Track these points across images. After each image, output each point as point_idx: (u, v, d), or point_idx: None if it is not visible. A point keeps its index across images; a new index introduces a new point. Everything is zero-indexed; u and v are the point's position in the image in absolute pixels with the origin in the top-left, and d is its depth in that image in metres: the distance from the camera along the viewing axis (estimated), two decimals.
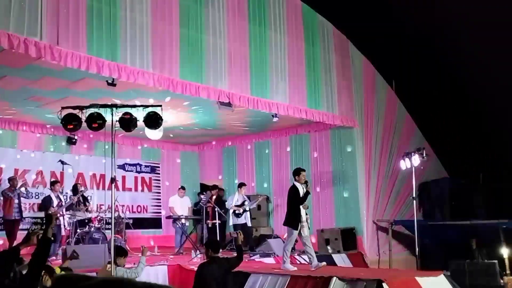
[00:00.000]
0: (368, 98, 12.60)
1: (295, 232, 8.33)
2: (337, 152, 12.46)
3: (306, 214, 8.50)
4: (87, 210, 10.73)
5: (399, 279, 7.46)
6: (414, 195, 10.64)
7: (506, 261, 10.87)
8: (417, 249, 10.25)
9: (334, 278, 7.38)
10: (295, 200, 8.43)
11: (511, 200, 12.97)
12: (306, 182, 8.56)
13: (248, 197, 12.33)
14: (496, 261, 10.51)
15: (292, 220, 8.38)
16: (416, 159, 10.56)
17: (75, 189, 10.85)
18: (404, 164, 10.81)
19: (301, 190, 8.45)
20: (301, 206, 8.38)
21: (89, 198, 11.61)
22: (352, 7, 13.71)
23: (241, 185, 12.29)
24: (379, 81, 13.01)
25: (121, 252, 6.86)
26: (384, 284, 6.94)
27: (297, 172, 8.71)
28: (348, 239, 11.52)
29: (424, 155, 10.68)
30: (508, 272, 10.74)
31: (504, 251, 11.04)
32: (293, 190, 8.53)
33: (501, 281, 10.35)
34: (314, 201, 12.66)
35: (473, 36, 13.24)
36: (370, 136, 12.47)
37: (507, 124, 13.95)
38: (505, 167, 13.58)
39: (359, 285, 7.13)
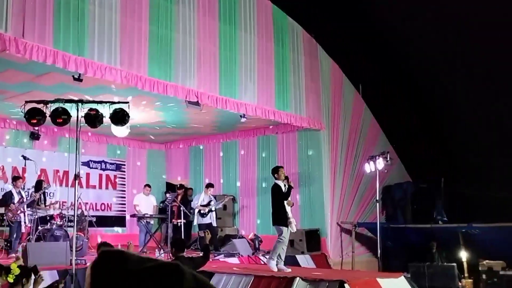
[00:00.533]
0: (335, 101, 12.76)
1: (285, 229, 8.27)
2: (304, 154, 12.57)
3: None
4: (45, 206, 10.54)
5: (360, 280, 7.58)
6: (377, 198, 10.83)
7: (465, 264, 11.18)
8: (379, 251, 10.43)
9: (297, 278, 7.45)
10: (279, 197, 8.40)
11: (470, 205, 13.34)
12: (287, 178, 8.60)
13: (215, 197, 12.31)
14: (455, 264, 10.79)
15: (279, 218, 8.35)
16: (380, 163, 10.75)
17: (38, 186, 10.62)
18: (369, 167, 10.98)
19: (283, 187, 8.46)
20: (285, 203, 8.36)
21: (49, 194, 11.39)
22: (321, 11, 13.84)
23: (208, 185, 12.26)
24: (346, 85, 13.19)
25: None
26: (346, 285, 7.05)
27: (275, 170, 8.74)
28: (312, 240, 11.65)
29: (388, 159, 10.87)
30: (466, 275, 11.04)
31: (463, 255, 11.35)
32: (276, 188, 8.52)
33: (459, 283, 10.62)
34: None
35: (437, 43, 13.55)
36: (336, 139, 12.62)
37: (468, 131, 14.33)
38: (466, 173, 13.95)
39: (321, 285, 7.22)
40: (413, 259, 11.34)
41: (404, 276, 8.48)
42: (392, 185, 13.55)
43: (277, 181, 8.57)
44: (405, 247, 12.52)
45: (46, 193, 10.84)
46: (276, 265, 8.24)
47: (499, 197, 12.72)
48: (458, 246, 11.35)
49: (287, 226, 8.28)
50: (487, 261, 10.73)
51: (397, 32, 13.73)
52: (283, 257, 8.41)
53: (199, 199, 11.90)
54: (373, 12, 14.17)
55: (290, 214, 8.37)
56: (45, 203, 10.66)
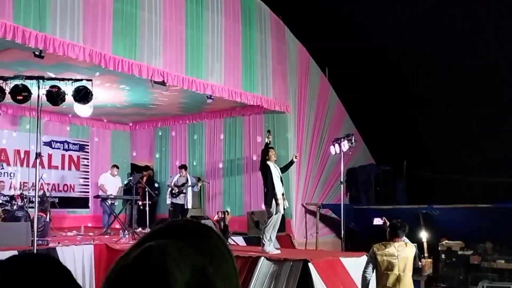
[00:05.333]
0: (302, 83, 12.80)
1: (272, 211, 8.12)
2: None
3: (283, 194, 8.35)
4: None
5: (324, 259, 7.72)
6: (342, 180, 10.98)
7: (425, 245, 11.46)
8: (342, 232, 10.60)
9: (262, 258, 7.53)
10: (268, 177, 8.24)
11: (431, 187, 13.69)
12: (295, 156, 8.74)
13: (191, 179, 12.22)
14: (415, 244, 11.04)
15: (268, 199, 8.21)
16: (345, 145, 10.86)
17: None
18: (334, 149, 11.10)
19: (273, 167, 8.31)
20: (276, 184, 8.22)
21: (9, 175, 11.09)
22: None
23: (181, 167, 12.14)
24: (313, 67, 13.24)
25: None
26: (309, 264, 7.16)
27: (265, 152, 8.56)
28: None
29: (353, 141, 10.99)
30: (426, 254, 11.33)
31: (423, 235, 11.64)
32: (264, 167, 8.38)
33: (420, 263, 10.87)
34: (246, 184, 12.81)
35: (404, 24, 13.72)
36: (303, 121, 12.70)
37: (431, 115, 14.63)
38: (427, 156, 14.27)
39: (286, 265, 7.31)
40: (376, 240, 11.56)
41: (367, 255, 8.65)
42: (356, 167, 13.75)
43: (268, 162, 8.39)
44: (368, 228, 12.75)
45: None
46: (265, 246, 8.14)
47: (459, 179, 13.09)
48: (419, 226, 11.62)
49: (271, 207, 8.13)
50: (446, 241, 11.04)
51: (363, 13, 13.83)
52: (273, 239, 8.36)
53: (173, 179, 11.83)
54: None
55: (279, 196, 8.19)
56: None
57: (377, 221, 6.61)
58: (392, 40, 14.07)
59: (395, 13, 13.70)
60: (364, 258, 8.40)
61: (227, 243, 0.91)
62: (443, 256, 11.13)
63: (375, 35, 14.08)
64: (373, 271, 5.62)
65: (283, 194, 8.33)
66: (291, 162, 8.99)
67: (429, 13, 13.15)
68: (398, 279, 5.47)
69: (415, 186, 13.44)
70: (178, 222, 0.90)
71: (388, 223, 6.02)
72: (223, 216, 6.43)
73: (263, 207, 8.67)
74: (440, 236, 11.39)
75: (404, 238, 5.84)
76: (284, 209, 8.36)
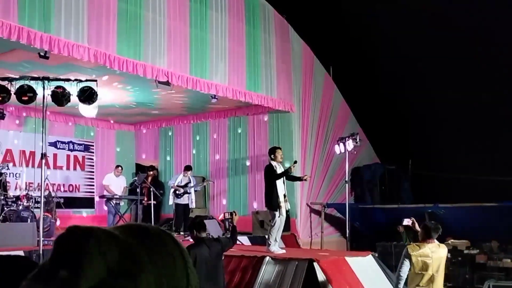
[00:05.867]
0: (306, 83, 12.79)
1: (276, 214, 8.04)
2: (274, 136, 12.59)
3: (285, 196, 8.27)
4: (5, 191, 10.11)
5: (329, 258, 7.70)
6: (346, 179, 10.96)
7: None
8: (347, 231, 10.59)
9: (267, 257, 7.53)
10: (271, 179, 8.15)
11: (436, 186, 13.65)
12: (295, 162, 8.48)
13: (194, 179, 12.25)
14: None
15: (270, 202, 8.13)
16: (350, 144, 10.84)
17: None
18: (338, 148, 11.08)
19: (278, 168, 8.24)
20: (279, 186, 8.13)
21: (15, 175, 11.09)
22: None
23: (187, 168, 12.15)
24: (317, 66, 13.22)
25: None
26: (315, 264, 7.15)
27: (273, 151, 8.47)
28: None
29: (358, 140, 10.97)
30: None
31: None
32: (268, 168, 8.28)
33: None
34: (250, 184, 12.80)
35: (407, 24, 13.69)
36: (307, 121, 12.68)
37: (436, 114, 14.59)
38: (432, 155, 14.24)
39: (291, 264, 7.30)
40: (381, 239, 11.57)
41: (372, 255, 8.65)
42: (361, 166, 13.73)
43: (272, 162, 8.30)
44: (373, 227, 12.75)
45: (4, 174, 10.39)
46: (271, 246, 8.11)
47: (464, 178, 13.05)
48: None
49: (277, 210, 8.06)
50: (452, 240, 11.01)
51: (367, 13, 13.80)
52: (278, 239, 8.31)
53: (176, 180, 11.83)
54: None
55: (281, 198, 8.10)
56: (4, 187, 10.07)
57: (406, 221, 6.71)
58: (397, 38, 14.04)
59: (400, 10, 13.66)
60: (369, 258, 8.41)
61: (177, 241, 0.88)
62: (448, 255, 11.10)
63: (380, 34, 14.05)
64: (408, 271, 5.74)
65: (284, 196, 8.26)
66: (299, 179, 8.89)
67: (435, 11, 13.11)
68: (431, 279, 5.63)
69: (421, 185, 13.42)
70: (141, 225, 0.89)
71: (416, 224, 6.23)
72: (230, 216, 6.33)
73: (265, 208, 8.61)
74: (445, 235, 11.34)
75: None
76: (286, 211, 8.32)
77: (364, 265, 8.06)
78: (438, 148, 14.35)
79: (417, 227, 6.19)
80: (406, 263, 5.73)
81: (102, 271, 0.76)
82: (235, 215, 6.39)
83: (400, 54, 14.27)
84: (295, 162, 8.55)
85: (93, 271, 0.75)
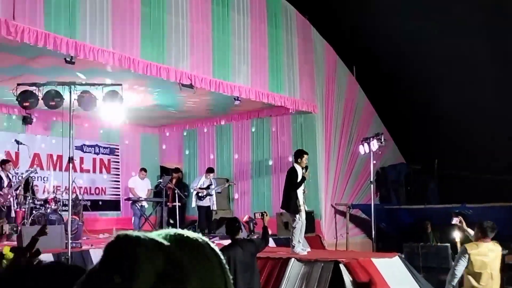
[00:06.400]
0: (329, 83, 12.73)
1: (297, 216, 8.10)
2: (298, 136, 12.56)
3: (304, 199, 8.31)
4: (33, 194, 10.28)
5: (355, 260, 7.64)
6: (371, 180, 10.86)
7: (458, 244, 11.23)
8: (373, 232, 10.49)
9: (293, 259, 7.51)
10: (292, 183, 8.23)
11: (463, 187, 13.43)
12: (306, 167, 8.37)
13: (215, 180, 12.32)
14: (448, 244, 10.87)
15: (291, 205, 8.17)
16: (374, 144, 10.74)
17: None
18: (363, 149, 10.99)
19: (300, 173, 8.26)
20: (300, 190, 8.19)
21: (43, 179, 11.27)
22: None
23: (209, 170, 12.22)
24: (340, 66, 13.14)
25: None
26: (341, 265, 7.10)
27: (299, 155, 8.48)
28: (307, 222, 11.65)
29: (382, 140, 10.86)
30: None
31: (456, 235, 11.42)
32: (292, 172, 8.32)
33: (453, 263, 10.71)
34: (274, 185, 12.79)
35: (431, 21, 13.52)
36: (330, 121, 12.62)
37: (463, 113, 14.36)
38: (459, 155, 14.02)
39: (317, 266, 7.27)
40: (407, 240, 11.42)
41: (399, 256, 8.55)
42: (386, 166, 13.59)
43: (296, 165, 8.34)
44: (398, 228, 12.61)
45: (32, 178, 10.57)
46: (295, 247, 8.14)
47: (492, 178, 12.81)
48: (452, 226, 11.42)
49: (297, 213, 8.12)
50: None
51: (390, 10, 13.66)
52: (302, 240, 8.34)
53: (199, 182, 11.91)
54: None
55: (301, 202, 8.15)
56: (32, 190, 10.24)
57: (455, 220, 6.82)
58: (422, 37, 13.87)
59: (425, 8, 13.50)
60: (396, 259, 8.31)
61: (214, 248, 0.91)
62: None
63: (403, 32, 13.89)
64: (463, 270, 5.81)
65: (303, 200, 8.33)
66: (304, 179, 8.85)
67: (460, 11, 12.91)
68: (490, 277, 5.73)
69: (447, 185, 13.22)
70: (179, 231, 0.92)
71: (464, 223, 6.44)
72: (261, 217, 6.28)
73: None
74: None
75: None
76: (306, 212, 8.38)
77: (391, 267, 7.98)
78: (464, 147, 14.11)
79: (464, 226, 6.23)
80: (463, 262, 5.77)
81: (152, 277, 0.79)
82: (266, 215, 6.31)
83: (425, 52, 14.09)
84: (307, 167, 8.48)
85: (144, 276, 0.79)
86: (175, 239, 0.88)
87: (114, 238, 0.86)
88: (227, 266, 0.90)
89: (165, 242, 0.85)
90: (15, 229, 9.00)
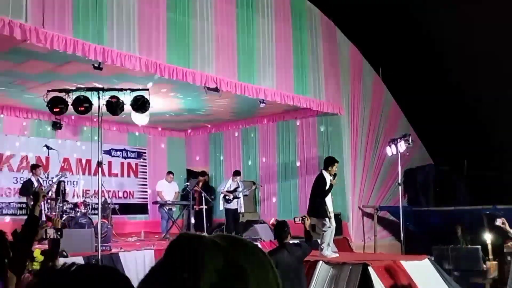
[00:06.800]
0: (355, 85, 12.64)
1: (327, 220, 8.11)
2: (324, 139, 12.51)
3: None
4: (64, 198, 10.44)
5: (384, 263, 7.56)
6: (399, 181, 10.74)
7: (489, 247, 11.04)
8: (401, 234, 10.36)
9: (321, 262, 7.47)
10: (321, 189, 8.25)
11: (494, 187, 13.16)
12: (335, 175, 8.37)
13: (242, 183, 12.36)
14: (479, 246, 10.67)
15: (320, 212, 8.19)
16: (402, 146, 10.63)
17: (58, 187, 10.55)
18: (390, 150, 10.88)
19: (328, 181, 8.28)
20: (328, 198, 8.24)
21: (72, 183, 11.45)
22: None
23: (236, 173, 12.28)
24: (366, 68, 13.05)
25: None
26: (369, 268, 7.04)
27: (331, 163, 8.48)
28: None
29: (410, 141, 10.74)
30: (491, 257, 10.91)
31: (487, 237, 11.21)
32: (320, 179, 8.35)
33: (484, 266, 10.51)
34: (300, 187, 12.75)
35: (459, 20, 13.31)
36: (357, 123, 12.53)
37: (492, 113, 14.11)
38: (489, 155, 13.76)
39: (345, 268, 7.22)
40: (436, 242, 11.25)
41: (428, 258, 8.43)
42: (414, 168, 13.41)
43: (324, 172, 8.35)
44: (427, 230, 12.42)
45: (64, 182, 10.75)
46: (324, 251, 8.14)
47: None
48: (483, 228, 11.22)
49: (327, 217, 8.15)
50: None
51: (417, 10, 13.51)
52: (331, 243, 8.33)
53: (226, 185, 11.98)
54: None
55: (331, 208, 8.19)
56: (63, 195, 10.43)
57: (499, 222, 6.73)
58: (450, 37, 13.67)
59: (451, 7, 13.30)
60: (426, 262, 8.20)
61: (264, 252, 0.96)
62: (508, 258, 10.67)
63: (431, 32, 13.73)
64: None
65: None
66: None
67: (490, 8, 12.68)
68: None
69: (477, 186, 12.97)
70: (232, 235, 0.97)
71: (507, 224, 6.34)
72: (302, 221, 6.17)
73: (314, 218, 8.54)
74: (505, 237, 10.93)
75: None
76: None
77: (421, 269, 7.87)
78: (494, 147, 13.85)
79: (507, 227, 6.10)
80: None
81: (214, 276, 0.84)
82: (307, 220, 6.17)
83: (454, 50, 13.88)
84: (335, 175, 8.50)
85: (208, 273, 0.84)
86: (230, 241, 0.93)
87: (176, 237, 0.92)
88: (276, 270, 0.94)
89: (222, 244, 0.90)
90: (59, 233, 9.15)
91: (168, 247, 0.92)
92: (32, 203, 4.56)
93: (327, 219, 8.12)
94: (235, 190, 11.87)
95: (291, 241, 5.70)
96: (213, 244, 0.90)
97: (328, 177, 8.30)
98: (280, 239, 5.59)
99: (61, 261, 5.41)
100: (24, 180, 11.05)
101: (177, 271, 0.85)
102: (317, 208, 8.27)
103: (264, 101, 10.54)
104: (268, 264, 0.92)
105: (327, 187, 8.24)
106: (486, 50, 13.33)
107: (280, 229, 5.66)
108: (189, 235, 0.92)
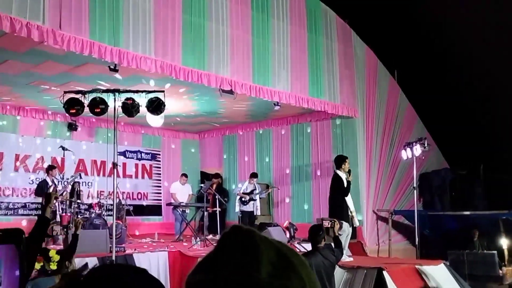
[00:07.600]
0: (370, 87, 12.57)
1: (345, 224, 7.94)
2: (338, 142, 12.45)
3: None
4: (79, 199, 10.47)
5: (399, 267, 7.50)
6: (414, 185, 10.65)
7: (505, 252, 10.92)
8: (417, 238, 10.27)
9: (335, 266, 7.40)
10: (338, 191, 8.15)
11: (511, 192, 13.00)
12: (349, 171, 8.29)
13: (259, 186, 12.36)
14: (495, 251, 10.55)
15: (339, 213, 8.04)
16: (417, 149, 10.55)
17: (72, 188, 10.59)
18: (405, 154, 10.81)
19: (344, 179, 8.19)
20: (348, 197, 8.12)
21: (87, 184, 11.51)
22: None
23: (253, 175, 12.27)
24: (381, 71, 12.96)
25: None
26: (384, 272, 6.98)
27: (342, 161, 8.39)
28: None
29: (426, 145, 10.66)
30: (507, 262, 10.78)
31: (504, 242, 11.08)
32: (336, 179, 8.25)
33: (500, 271, 10.39)
34: (314, 190, 12.70)
35: (475, 24, 13.19)
36: (372, 126, 12.45)
37: (507, 116, 13.94)
38: (505, 159, 13.59)
39: (359, 272, 7.17)
40: (452, 247, 11.14)
41: (444, 263, 8.35)
42: (430, 172, 13.30)
43: (338, 172, 8.26)
44: (443, 234, 12.30)
45: (78, 183, 10.78)
46: None
47: None
48: (499, 233, 11.09)
49: (347, 221, 8.01)
50: None
51: (432, 14, 13.42)
52: (346, 247, 8.21)
53: (242, 187, 11.99)
54: None
55: (352, 208, 8.07)
56: (78, 195, 10.47)
57: None
58: (465, 40, 13.54)
59: (468, 11, 13.18)
60: (441, 267, 8.11)
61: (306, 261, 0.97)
62: None
63: (447, 36, 13.62)
64: None
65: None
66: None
67: (505, 13, 12.55)
68: None
69: (494, 191, 12.82)
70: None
71: None
72: (332, 226, 6.06)
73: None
74: None
75: None
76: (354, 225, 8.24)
77: (436, 274, 7.78)
78: (511, 151, 13.68)
79: None
80: None
81: (269, 266, 0.87)
82: (337, 224, 6.08)
83: (469, 54, 13.75)
84: (349, 171, 8.43)
85: (265, 262, 0.87)
86: (275, 239, 0.96)
87: (231, 228, 0.95)
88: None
89: (271, 239, 0.94)
90: (65, 229, 9.22)
91: (222, 237, 0.94)
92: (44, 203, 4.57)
93: (345, 223, 8.01)
94: (251, 192, 11.88)
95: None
96: (265, 238, 0.93)
97: (343, 176, 8.22)
98: (314, 243, 5.56)
99: (76, 261, 5.43)
100: (40, 180, 11.14)
101: (236, 254, 0.88)
102: (340, 211, 8.13)
103: (279, 104, 10.52)
104: (309, 265, 0.96)
105: (345, 185, 8.13)
106: (505, 55, 13.19)
107: (315, 233, 5.61)
108: (243, 227, 0.94)
